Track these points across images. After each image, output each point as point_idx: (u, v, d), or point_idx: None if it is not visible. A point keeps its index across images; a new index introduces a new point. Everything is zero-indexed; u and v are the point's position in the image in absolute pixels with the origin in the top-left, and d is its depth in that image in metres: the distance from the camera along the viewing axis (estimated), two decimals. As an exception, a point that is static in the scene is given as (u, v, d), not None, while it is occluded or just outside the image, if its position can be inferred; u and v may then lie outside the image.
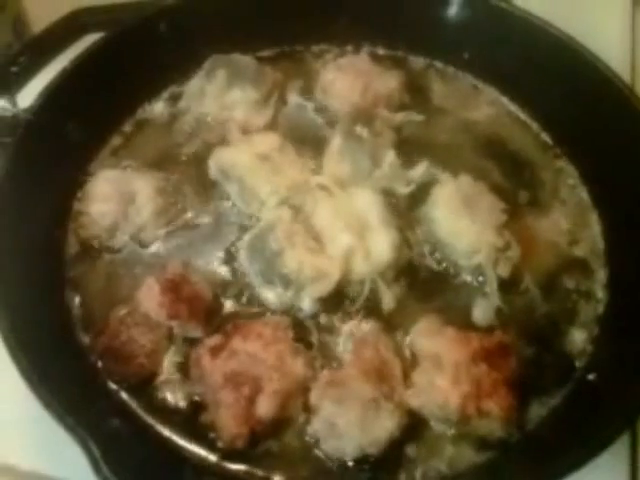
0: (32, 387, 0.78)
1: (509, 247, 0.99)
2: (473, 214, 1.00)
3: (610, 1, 1.43)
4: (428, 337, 0.91)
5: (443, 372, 0.86)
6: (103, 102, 1.11)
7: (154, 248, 1.03)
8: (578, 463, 0.75)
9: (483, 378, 0.86)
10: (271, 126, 1.16)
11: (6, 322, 0.83)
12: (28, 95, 1.04)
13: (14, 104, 1.03)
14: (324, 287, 0.96)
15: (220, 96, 1.16)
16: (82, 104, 1.08)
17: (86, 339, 0.94)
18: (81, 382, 0.88)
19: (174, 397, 0.90)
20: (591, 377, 0.91)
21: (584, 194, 1.10)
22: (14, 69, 1.05)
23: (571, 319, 0.97)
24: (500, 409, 0.85)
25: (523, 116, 1.19)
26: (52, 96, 1.04)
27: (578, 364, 0.93)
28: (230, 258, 1.01)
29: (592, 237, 1.05)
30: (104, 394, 0.89)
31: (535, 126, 1.18)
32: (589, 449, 0.76)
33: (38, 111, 1.01)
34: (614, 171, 1.06)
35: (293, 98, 1.20)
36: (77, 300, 0.97)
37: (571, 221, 1.06)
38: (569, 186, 1.11)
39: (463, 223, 0.99)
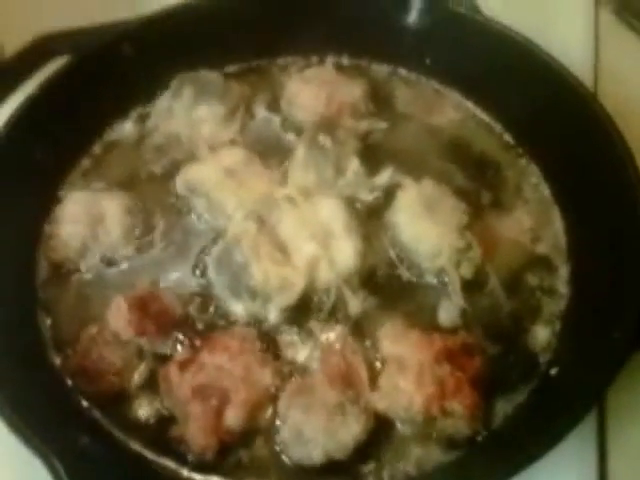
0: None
1: (471, 248, 1.00)
2: (434, 217, 1.01)
3: (574, 6, 1.44)
4: (393, 340, 0.93)
5: (407, 374, 0.88)
6: (71, 125, 1.13)
7: (123, 267, 1.04)
8: (541, 451, 0.77)
9: (447, 378, 0.87)
10: (238, 140, 1.17)
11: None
12: (-4, 122, 1.06)
13: (-19, 131, 1.05)
14: (290, 296, 0.97)
15: (187, 113, 1.18)
16: (50, 128, 1.10)
17: (57, 359, 0.95)
18: (52, 401, 0.90)
19: (144, 413, 0.91)
20: (554, 372, 0.93)
21: (546, 192, 1.11)
22: (-19, 96, 1.07)
23: (535, 316, 0.98)
24: (464, 408, 0.86)
25: (486, 118, 1.20)
26: (19, 121, 1.06)
27: (542, 359, 0.95)
28: (198, 273, 1.03)
29: (554, 234, 1.06)
30: (75, 412, 0.90)
31: (498, 127, 1.19)
32: (551, 437, 0.78)
33: (6, 136, 1.04)
34: (575, 169, 1.07)
35: (259, 111, 1.22)
36: (48, 322, 0.99)
37: (534, 219, 1.07)
38: (532, 185, 1.12)
39: (425, 226, 1.01)
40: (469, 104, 1.22)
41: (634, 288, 0.90)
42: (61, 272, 1.04)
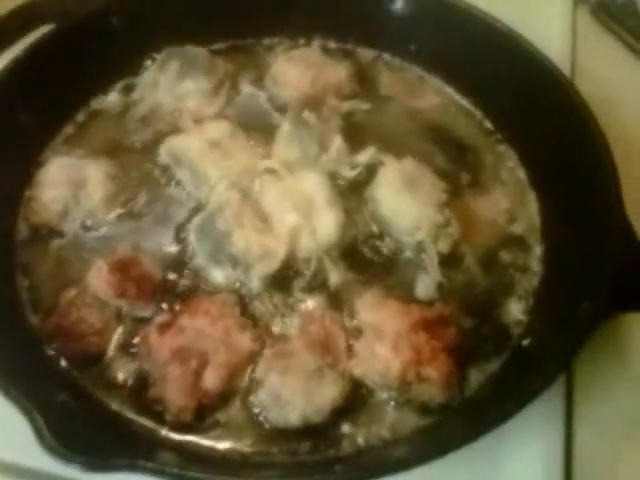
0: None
1: (449, 224, 1.02)
2: (415, 193, 1.04)
3: (552, 5, 1.47)
4: (371, 309, 0.95)
5: (384, 341, 0.90)
6: (56, 92, 1.13)
7: (104, 232, 1.05)
8: (508, 413, 0.80)
9: (423, 346, 0.89)
10: (222, 115, 1.18)
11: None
12: (-20, 83, 1.06)
13: (-35, 92, 1.04)
14: (271, 265, 0.99)
15: (173, 87, 1.19)
16: (35, 93, 1.10)
17: (36, 320, 0.95)
18: (30, 360, 0.90)
19: (122, 374, 0.92)
20: (525, 343, 0.96)
21: (522, 175, 1.14)
22: (-35, 58, 1.06)
23: (508, 291, 1.01)
24: (439, 374, 0.88)
25: (467, 104, 1.24)
26: (4, 84, 1.06)
27: (514, 332, 0.97)
28: (179, 240, 1.04)
29: (529, 215, 1.10)
30: (54, 371, 0.90)
31: (478, 113, 1.22)
32: (519, 400, 0.81)
33: (-11, 99, 1.04)
34: (550, 154, 1.11)
35: (244, 88, 1.24)
36: (27, 283, 0.99)
37: (510, 201, 1.11)
38: (508, 168, 1.15)
39: (405, 202, 1.03)
40: (450, 90, 1.25)
41: (601, 265, 0.93)
42: (40, 235, 1.04)
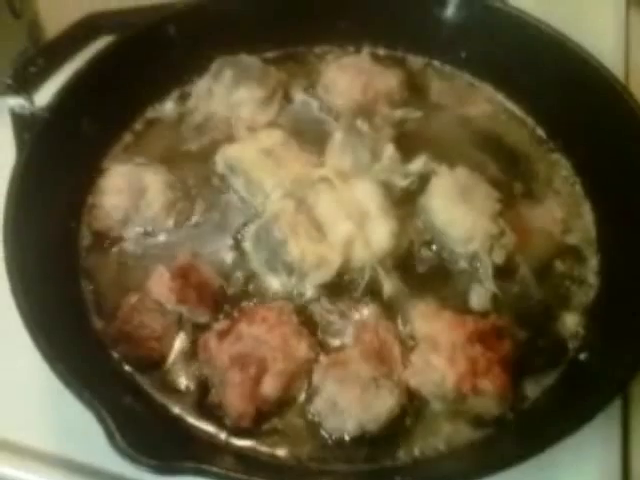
0: (52, 365, 0.82)
1: (504, 235, 1.02)
2: (469, 203, 1.04)
3: (605, 7, 1.46)
4: (425, 320, 0.95)
5: (439, 352, 0.90)
6: (115, 101, 1.16)
7: (164, 239, 1.07)
8: (565, 432, 0.79)
9: (478, 358, 0.89)
10: (275, 123, 1.20)
11: (26, 308, 0.87)
12: (45, 94, 1.09)
13: (32, 103, 1.07)
14: (326, 274, 1.00)
15: (227, 95, 1.21)
16: (95, 103, 1.13)
17: (100, 324, 0.98)
18: (96, 364, 0.93)
19: (183, 379, 0.94)
20: (582, 357, 0.95)
21: (577, 185, 1.13)
22: (32, 69, 1.10)
23: (564, 304, 1.01)
24: (495, 387, 0.88)
25: (518, 112, 1.23)
26: (67, 95, 1.09)
27: (571, 345, 0.97)
28: (236, 248, 1.06)
29: (585, 226, 1.09)
30: (117, 375, 0.93)
31: (530, 121, 1.22)
32: (576, 419, 0.80)
33: (54, 109, 1.06)
34: (606, 164, 1.10)
35: (297, 96, 1.25)
36: (90, 288, 1.02)
37: (564, 211, 1.10)
38: (563, 178, 1.14)
39: (459, 212, 1.03)
40: (501, 97, 1.25)
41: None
42: (103, 241, 1.06)
